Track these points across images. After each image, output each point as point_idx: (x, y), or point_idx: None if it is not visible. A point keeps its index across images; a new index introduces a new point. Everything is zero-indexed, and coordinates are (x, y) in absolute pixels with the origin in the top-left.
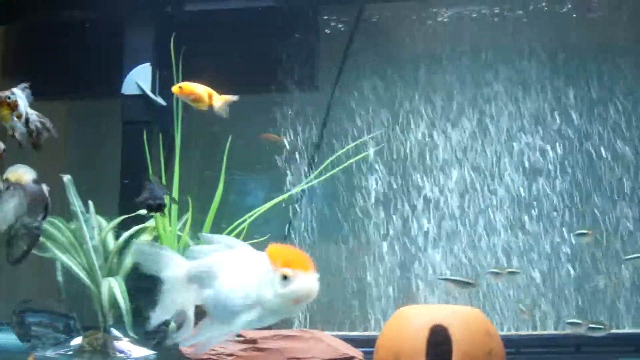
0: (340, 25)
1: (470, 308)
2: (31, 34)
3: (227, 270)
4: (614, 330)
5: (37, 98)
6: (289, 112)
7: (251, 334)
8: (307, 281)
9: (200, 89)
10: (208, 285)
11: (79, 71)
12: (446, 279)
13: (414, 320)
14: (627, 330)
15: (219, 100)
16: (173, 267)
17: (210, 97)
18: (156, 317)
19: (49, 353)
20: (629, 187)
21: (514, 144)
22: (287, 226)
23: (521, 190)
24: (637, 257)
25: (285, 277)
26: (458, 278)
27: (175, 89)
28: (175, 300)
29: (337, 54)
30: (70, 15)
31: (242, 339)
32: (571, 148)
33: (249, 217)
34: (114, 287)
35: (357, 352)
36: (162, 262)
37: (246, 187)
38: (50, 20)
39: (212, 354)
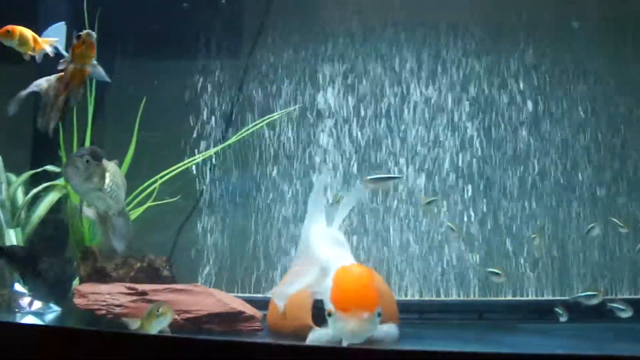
0: None
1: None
2: None
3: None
4: (517, 297)
5: None
6: (208, 79)
7: (143, 287)
8: (344, 323)
9: (27, 32)
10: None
11: None
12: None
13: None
14: (529, 297)
15: (44, 43)
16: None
17: (35, 40)
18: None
19: None
20: None
21: None
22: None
23: None
24: None
25: (329, 314)
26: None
27: (2, 31)
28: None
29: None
30: None
31: (133, 290)
32: None
33: (160, 178)
34: (11, 237)
35: (250, 309)
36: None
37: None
38: None
39: (103, 305)
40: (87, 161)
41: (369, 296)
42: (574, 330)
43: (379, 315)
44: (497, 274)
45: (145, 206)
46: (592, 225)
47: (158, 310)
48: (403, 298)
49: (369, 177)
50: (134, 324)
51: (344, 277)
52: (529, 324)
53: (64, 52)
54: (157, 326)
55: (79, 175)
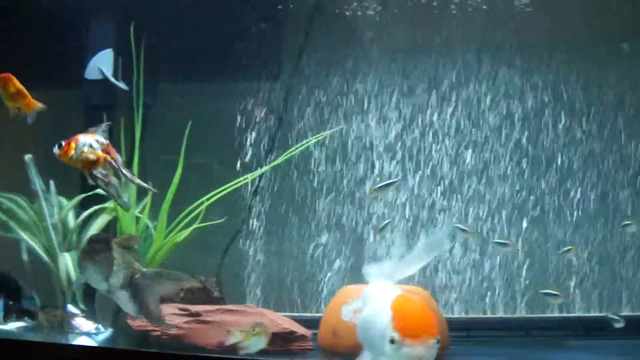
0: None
1: (413, 287)
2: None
3: (373, 305)
4: (564, 314)
5: None
6: (250, 100)
7: (196, 308)
8: (412, 351)
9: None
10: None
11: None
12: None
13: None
14: (576, 313)
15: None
16: None
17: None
18: None
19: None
20: None
21: None
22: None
23: None
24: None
25: (392, 341)
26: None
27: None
28: None
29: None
30: (37, 4)
31: (187, 311)
32: None
33: (206, 199)
34: (67, 261)
35: (300, 329)
36: None
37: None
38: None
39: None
40: (99, 250)
41: (432, 322)
42: (620, 347)
43: (438, 342)
44: (554, 295)
45: (191, 228)
46: (628, 222)
47: (254, 330)
48: (450, 316)
49: (375, 187)
50: (234, 338)
51: (404, 304)
52: (576, 341)
53: (113, 79)
54: (256, 345)
55: (96, 267)
